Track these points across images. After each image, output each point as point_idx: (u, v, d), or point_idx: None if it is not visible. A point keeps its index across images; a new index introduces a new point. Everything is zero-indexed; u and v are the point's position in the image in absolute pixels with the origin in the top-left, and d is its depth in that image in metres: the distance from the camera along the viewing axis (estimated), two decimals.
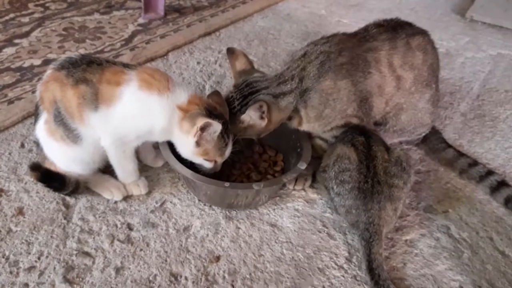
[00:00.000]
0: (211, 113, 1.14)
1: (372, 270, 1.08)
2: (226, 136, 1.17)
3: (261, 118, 1.23)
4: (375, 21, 1.40)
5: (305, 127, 1.33)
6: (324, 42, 1.30)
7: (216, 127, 1.10)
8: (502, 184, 1.35)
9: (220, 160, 1.21)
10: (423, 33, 1.38)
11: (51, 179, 1.19)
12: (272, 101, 1.23)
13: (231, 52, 1.37)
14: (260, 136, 1.31)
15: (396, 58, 1.31)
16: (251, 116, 1.22)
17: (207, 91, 1.76)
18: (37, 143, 1.20)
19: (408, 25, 1.38)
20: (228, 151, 1.21)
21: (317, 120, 1.30)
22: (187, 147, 1.17)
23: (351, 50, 1.28)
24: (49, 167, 1.20)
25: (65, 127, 1.12)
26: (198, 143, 1.14)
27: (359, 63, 1.28)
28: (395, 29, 1.34)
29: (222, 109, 1.22)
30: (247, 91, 1.26)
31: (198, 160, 1.19)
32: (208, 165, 1.20)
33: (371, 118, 1.35)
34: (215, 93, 1.28)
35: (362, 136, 1.23)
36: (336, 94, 1.26)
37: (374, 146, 1.21)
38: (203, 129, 1.10)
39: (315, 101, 1.26)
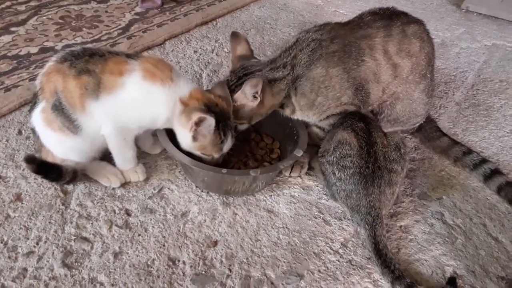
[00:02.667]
0: (210, 109, 1.14)
1: (379, 251, 1.10)
2: (223, 133, 1.17)
3: (254, 97, 1.23)
4: (370, 9, 1.40)
5: (298, 115, 1.34)
6: (316, 30, 1.30)
7: (210, 121, 1.10)
8: (495, 172, 1.36)
9: (216, 156, 1.22)
10: (419, 22, 1.39)
11: (48, 170, 1.18)
12: (266, 82, 1.25)
13: (235, 36, 1.37)
14: (251, 122, 1.31)
15: (392, 45, 1.31)
16: (246, 93, 1.22)
17: (204, 79, 1.76)
18: (33, 131, 1.20)
19: (404, 14, 1.38)
20: (226, 147, 1.22)
21: (310, 109, 1.31)
22: (185, 141, 1.18)
23: (344, 38, 1.29)
24: (46, 155, 1.20)
25: (64, 117, 1.12)
26: (194, 138, 1.15)
27: (352, 50, 1.28)
28: (390, 17, 1.34)
29: (225, 102, 1.21)
30: (241, 73, 1.28)
31: (196, 153, 1.20)
32: (206, 158, 1.21)
33: (368, 106, 1.36)
34: (220, 85, 1.26)
35: (361, 122, 1.24)
36: (328, 82, 1.27)
37: (373, 132, 1.22)
38: (198, 124, 1.11)
39: (306, 88, 1.27)
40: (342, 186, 1.19)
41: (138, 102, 1.12)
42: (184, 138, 1.17)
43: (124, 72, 1.10)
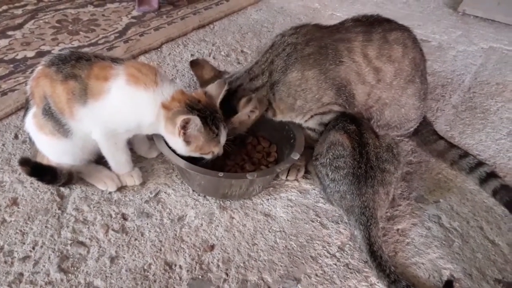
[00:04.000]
0: (193, 107, 1.13)
1: (373, 252, 1.10)
2: (215, 126, 1.16)
3: (251, 111, 1.25)
4: (353, 16, 1.40)
5: (280, 117, 1.36)
6: (292, 34, 1.31)
7: (195, 120, 1.09)
8: (491, 175, 1.36)
9: (217, 150, 1.21)
10: (403, 28, 1.39)
11: (42, 172, 1.18)
12: (256, 95, 1.27)
13: (194, 64, 1.38)
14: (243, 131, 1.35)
15: (371, 49, 1.31)
16: (242, 112, 1.25)
17: None
18: (30, 137, 1.20)
19: (387, 21, 1.38)
20: (223, 138, 1.20)
21: (292, 111, 1.33)
22: (179, 147, 1.17)
23: (320, 40, 1.30)
24: (41, 160, 1.20)
25: (55, 121, 1.12)
26: (187, 142, 1.15)
27: (329, 52, 1.29)
28: (372, 24, 1.35)
29: (209, 99, 1.19)
30: (225, 93, 1.23)
31: (196, 155, 1.20)
32: (207, 157, 1.21)
33: (355, 107, 1.36)
34: (218, 83, 1.23)
35: (353, 124, 1.25)
36: (304, 85, 1.28)
37: (365, 133, 1.23)
38: (184, 126, 1.10)
39: (283, 93, 1.29)
40: (336, 187, 1.19)
41: (123, 107, 1.12)
42: (177, 144, 1.17)
43: (109, 77, 1.10)
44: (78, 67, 1.11)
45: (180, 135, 1.12)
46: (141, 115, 1.14)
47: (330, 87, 1.29)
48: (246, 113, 1.26)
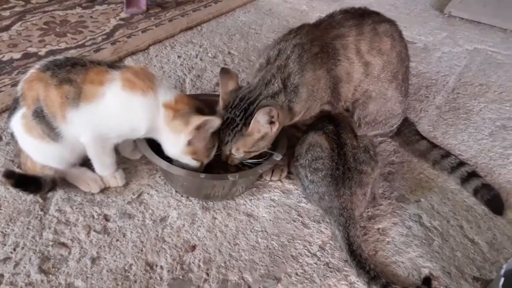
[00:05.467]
0: (202, 112, 1.16)
1: (353, 252, 1.11)
2: (216, 137, 1.20)
3: (271, 123, 1.19)
4: (341, 8, 1.41)
5: (293, 121, 1.31)
6: (294, 35, 1.31)
7: (216, 122, 1.13)
8: (472, 175, 1.38)
9: (206, 161, 1.23)
10: (390, 21, 1.41)
11: (27, 183, 1.18)
12: (274, 102, 1.20)
13: (225, 71, 1.29)
14: (268, 147, 1.27)
15: (363, 44, 1.32)
16: (259, 121, 1.17)
17: (188, 84, 1.77)
18: (13, 135, 1.20)
19: (375, 13, 1.40)
20: (213, 153, 1.24)
21: (303, 113, 1.31)
22: (176, 146, 1.18)
23: (321, 39, 1.30)
24: (25, 160, 1.20)
25: (45, 124, 1.12)
26: (189, 142, 1.16)
27: (329, 51, 1.30)
28: (362, 16, 1.36)
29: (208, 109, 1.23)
30: (244, 103, 1.20)
31: (185, 159, 1.21)
32: (194, 164, 1.22)
33: (340, 104, 1.37)
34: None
35: (332, 124, 1.26)
36: (317, 85, 1.28)
37: (343, 134, 1.24)
38: (199, 127, 1.12)
39: (304, 95, 1.26)
40: (315, 188, 1.20)
41: (118, 112, 1.12)
42: (175, 143, 1.17)
43: (104, 82, 1.11)
44: (73, 72, 1.12)
45: (190, 134, 1.13)
46: (137, 120, 1.14)
47: (331, 85, 1.30)
48: (263, 121, 1.18)
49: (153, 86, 1.14)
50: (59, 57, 1.17)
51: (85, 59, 1.17)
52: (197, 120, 1.11)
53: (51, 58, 1.17)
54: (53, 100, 1.10)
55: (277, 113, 1.16)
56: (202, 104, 1.23)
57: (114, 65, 1.18)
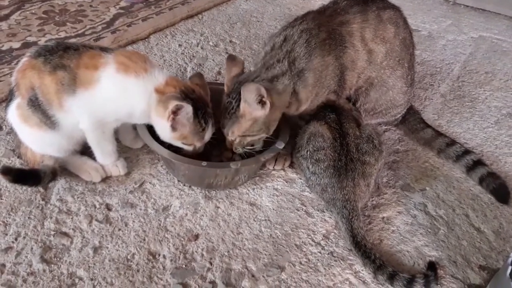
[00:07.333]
0: (187, 96, 1.13)
1: (358, 243, 1.10)
2: (204, 121, 1.17)
3: (261, 103, 1.15)
4: None
5: (301, 110, 1.28)
6: (301, 22, 1.28)
7: (187, 109, 1.09)
8: (477, 163, 1.36)
9: (198, 144, 1.21)
10: (395, 8, 1.39)
11: (26, 178, 1.17)
12: (269, 84, 1.18)
13: (232, 58, 1.28)
14: (270, 132, 1.23)
15: (368, 31, 1.31)
16: (247, 101, 1.14)
17: (189, 73, 1.75)
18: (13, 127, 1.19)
19: None
20: (208, 135, 1.21)
21: (311, 100, 1.28)
22: (164, 131, 1.17)
23: (327, 25, 1.28)
24: (25, 151, 1.20)
25: (41, 113, 1.11)
26: (173, 128, 1.14)
27: (337, 38, 1.28)
28: (365, 2, 1.34)
29: (203, 91, 1.21)
30: (240, 87, 1.17)
31: (177, 143, 1.19)
32: (187, 148, 1.20)
33: (344, 93, 1.35)
34: (197, 75, 1.28)
35: (334, 113, 1.24)
36: (325, 71, 1.26)
37: (345, 123, 1.22)
38: (175, 112, 1.10)
39: (311, 80, 1.24)
40: (317, 180, 1.19)
41: (114, 95, 1.11)
42: (163, 128, 1.16)
43: (99, 66, 1.10)
44: (66, 57, 1.10)
45: (169, 120, 1.11)
46: (132, 102, 1.13)
47: (338, 74, 1.29)
48: (251, 100, 1.13)
49: (146, 67, 1.13)
50: (50, 42, 1.15)
51: (77, 43, 1.15)
52: (171, 104, 1.08)
53: (42, 45, 1.15)
54: (48, 87, 1.09)
55: (265, 91, 1.12)
56: (197, 87, 1.20)
57: (106, 48, 1.17)
